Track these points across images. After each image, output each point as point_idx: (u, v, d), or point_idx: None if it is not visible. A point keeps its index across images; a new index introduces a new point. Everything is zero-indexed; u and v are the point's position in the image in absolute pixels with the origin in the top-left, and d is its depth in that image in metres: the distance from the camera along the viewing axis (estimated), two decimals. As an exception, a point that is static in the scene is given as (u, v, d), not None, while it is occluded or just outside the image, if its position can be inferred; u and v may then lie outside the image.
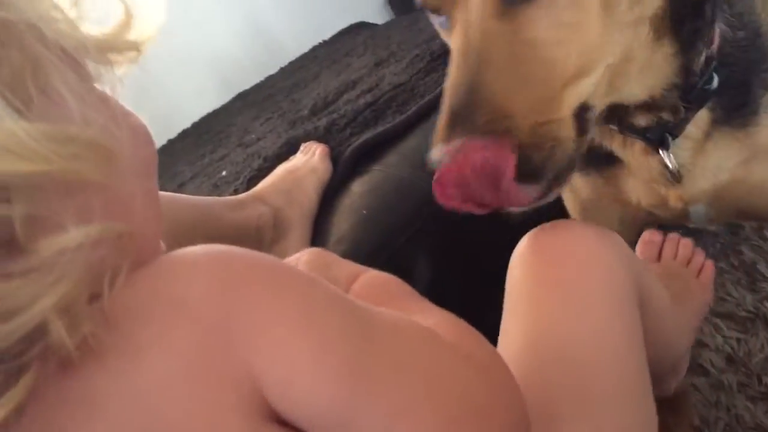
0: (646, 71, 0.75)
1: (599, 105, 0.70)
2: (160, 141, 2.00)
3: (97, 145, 0.40)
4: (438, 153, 0.59)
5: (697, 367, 1.21)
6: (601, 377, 0.58)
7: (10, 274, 0.36)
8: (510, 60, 0.62)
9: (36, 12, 0.40)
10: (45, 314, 0.36)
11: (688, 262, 1.07)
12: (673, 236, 1.10)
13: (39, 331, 0.37)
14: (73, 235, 0.38)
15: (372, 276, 0.59)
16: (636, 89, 0.77)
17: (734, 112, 0.82)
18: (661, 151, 0.81)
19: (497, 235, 1.08)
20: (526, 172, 0.60)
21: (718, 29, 0.78)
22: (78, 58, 0.42)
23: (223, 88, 2.27)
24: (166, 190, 1.54)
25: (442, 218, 1.09)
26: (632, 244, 1.08)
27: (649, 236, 1.10)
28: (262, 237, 1.07)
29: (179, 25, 2.21)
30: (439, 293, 0.98)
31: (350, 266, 0.62)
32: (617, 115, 0.80)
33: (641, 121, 0.80)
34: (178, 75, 2.12)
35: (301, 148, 1.29)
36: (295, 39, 2.44)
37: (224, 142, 1.75)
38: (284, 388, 0.40)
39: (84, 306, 0.38)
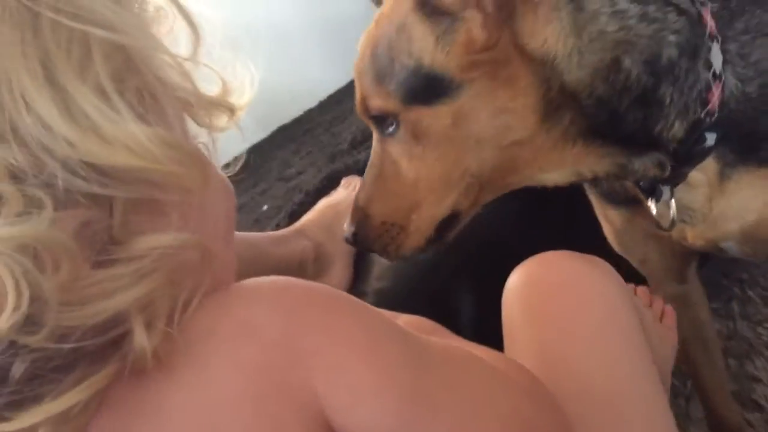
0: (561, 166, 0.80)
1: (472, 205, 0.83)
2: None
3: (198, 158, 0.47)
4: (348, 228, 0.84)
5: (750, 403, 1.17)
6: (624, 404, 0.58)
7: (103, 262, 0.41)
8: (379, 174, 0.82)
9: (155, 51, 0.46)
10: (131, 306, 0.40)
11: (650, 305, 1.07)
12: (642, 288, 1.09)
13: (123, 333, 0.41)
14: (166, 237, 0.43)
15: (407, 318, 0.65)
16: (556, 178, 0.81)
17: (748, 156, 0.81)
18: (649, 202, 0.83)
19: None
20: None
21: (717, 90, 0.77)
22: (184, 108, 0.49)
23: (263, 123, 2.30)
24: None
25: (485, 253, 1.08)
26: (678, 275, 1.06)
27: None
28: (304, 271, 1.08)
29: (224, 59, 2.25)
30: (483, 330, 0.97)
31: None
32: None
33: (627, 179, 0.84)
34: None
35: (342, 182, 1.30)
36: (332, 72, 2.46)
37: (265, 177, 1.77)
38: (347, 411, 0.43)
39: (163, 317, 0.42)
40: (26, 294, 0.37)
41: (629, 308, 0.65)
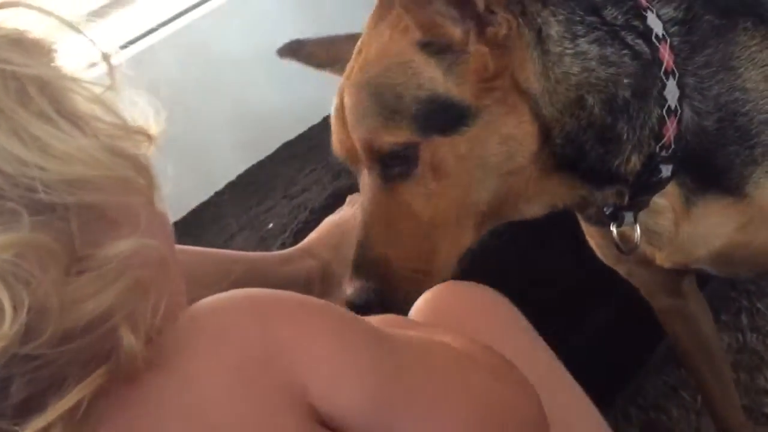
0: (542, 197, 0.83)
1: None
2: (207, 194, 2.03)
3: (143, 164, 0.51)
4: (348, 289, 0.82)
5: (762, 417, 1.17)
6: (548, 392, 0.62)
7: (78, 270, 0.44)
8: (388, 220, 0.80)
9: (76, 87, 0.50)
10: (106, 308, 0.43)
11: None
12: None
13: (114, 340, 0.44)
14: (126, 243, 0.46)
15: (378, 318, 0.67)
16: (536, 211, 0.84)
17: (709, 186, 0.84)
18: (611, 226, 0.86)
19: (542, 288, 1.07)
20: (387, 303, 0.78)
21: (672, 125, 0.80)
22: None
23: (267, 140, 2.30)
24: (214, 244, 1.56)
25: (491, 270, 1.08)
26: (668, 290, 1.05)
27: None
28: (310, 291, 1.07)
29: (223, 79, 2.26)
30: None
31: None
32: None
33: (590, 209, 0.88)
34: (222, 128, 2.15)
35: (348, 200, 1.30)
36: (336, 88, 2.47)
37: (270, 194, 1.76)
38: (328, 399, 0.47)
39: (143, 321, 0.46)
40: (26, 301, 0.40)
41: (521, 319, 0.72)
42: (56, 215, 0.44)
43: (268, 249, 1.33)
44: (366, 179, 0.83)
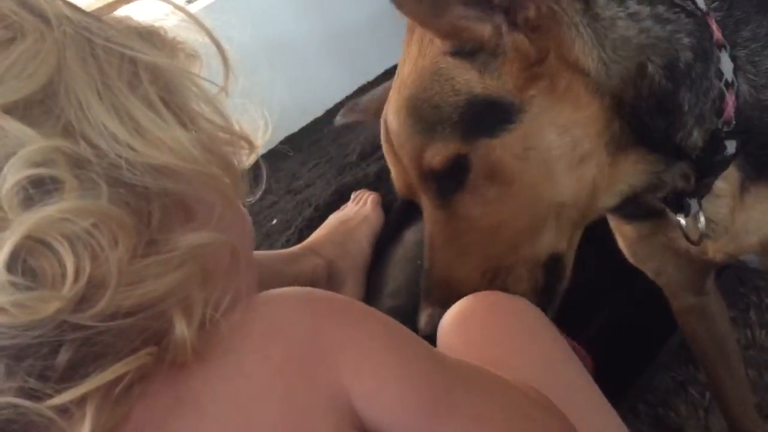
0: (617, 184, 0.77)
1: (570, 245, 0.78)
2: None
3: (231, 164, 0.53)
4: (421, 319, 0.76)
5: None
6: (572, 406, 0.60)
7: (146, 252, 0.44)
8: (449, 238, 0.75)
9: (186, 80, 0.53)
10: (164, 291, 0.44)
11: None
12: None
13: (165, 324, 0.44)
14: (201, 235, 0.47)
15: None
16: (610, 201, 0.78)
17: (763, 168, 0.80)
18: (678, 217, 0.82)
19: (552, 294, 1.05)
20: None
21: (731, 99, 0.76)
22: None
23: (270, 132, 2.29)
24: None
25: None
26: (694, 287, 1.05)
27: None
28: (316, 290, 1.06)
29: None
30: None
31: None
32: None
33: (658, 194, 0.81)
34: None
35: (352, 196, 1.29)
36: (339, 80, 2.45)
37: (273, 189, 1.75)
38: (372, 398, 0.46)
39: (199, 311, 0.46)
40: (87, 268, 0.40)
41: (552, 329, 0.69)
42: (135, 195, 0.45)
43: (272, 246, 1.32)
44: (425, 203, 0.78)
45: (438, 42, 0.74)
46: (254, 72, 2.34)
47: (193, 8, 2.09)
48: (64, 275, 0.40)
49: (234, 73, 0.57)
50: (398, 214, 1.21)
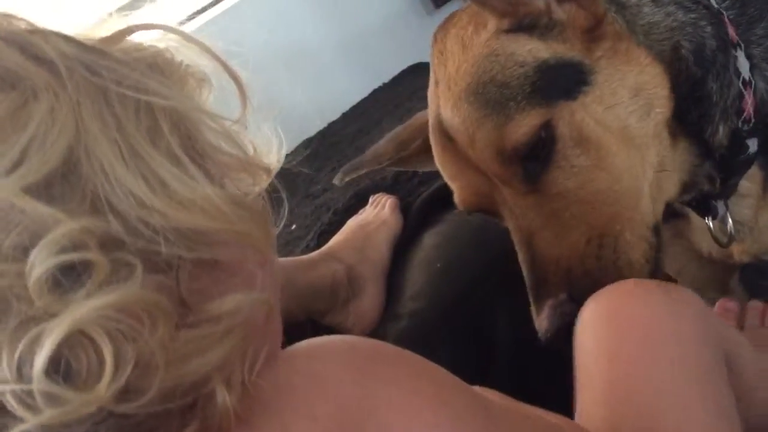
0: (675, 170, 0.75)
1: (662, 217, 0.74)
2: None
3: (263, 216, 0.49)
4: (541, 321, 0.69)
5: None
6: None
7: (187, 324, 0.42)
8: (547, 220, 0.70)
9: (209, 119, 0.49)
10: (212, 366, 0.41)
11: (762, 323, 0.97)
12: (754, 303, 0.98)
13: (206, 394, 0.42)
14: (241, 297, 0.44)
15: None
16: (673, 189, 0.76)
17: None
18: (707, 219, 0.80)
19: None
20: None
21: (750, 97, 0.75)
22: (228, 172, 0.50)
23: (287, 137, 2.29)
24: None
25: (518, 270, 1.06)
26: (717, 286, 1.03)
27: (723, 304, 0.97)
28: (336, 296, 1.06)
29: (240, 76, 2.25)
30: (519, 349, 0.95)
31: None
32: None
33: (684, 197, 0.80)
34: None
35: (370, 200, 1.29)
36: (355, 82, 2.46)
37: (291, 194, 1.75)
38: None
39: (239, 375, 0.43)
40: (131, 358, 0.38)
41: (706, 345, 0.60)
42: (170, 267, 0.42)
43: (292, 251, 1.33)
44: (509, 199, 0.73)
45: (488, 27, 0.73)
46: (272, 77, 2.33)
47: (209, 15, 2.09)
48: (102, 371, 0.37)
49: (249, 96, 0.54)
50: (417, 218, 1.20)
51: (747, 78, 0.75)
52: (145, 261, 0.40)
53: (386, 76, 2.37)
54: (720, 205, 0.79)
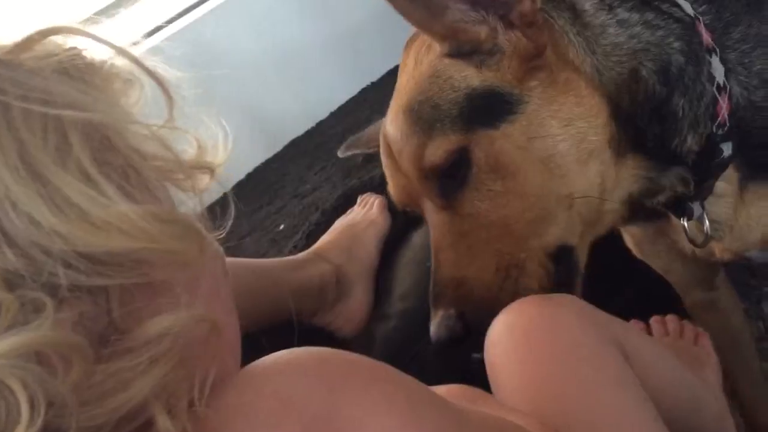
0: (618, 190, 0.77)
1: (581, 240, 0.76)
2: (216, 194, 2.02)
3: (192, 229, 0.46)
4: (433, 326, 0.73)
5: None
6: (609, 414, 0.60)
7: (111, 354, 0.39)
8: (456, 238, 0.73)
9: (130, 125, 0.46)
10: (148, 395, 0.39)
11: (681, 334, 1.08)
12: (657, 318, 1.11)
13: (146, 424, 0.39)
14: (171, 318, 0.41)
15: (447, 388, 0.65)
16: (616, 207, 0.78)
17: (759, 167, 0.80)
18: (682, 220, 0.81)
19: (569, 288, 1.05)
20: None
21: (725, 102, 0.76)
22: (164, 177, 0.48)
23: (275, 136, 2.29)
24: (225, 247, 1.54)
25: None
26: (704, 283, 1.04)
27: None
28: (325, 296, 1.06)
29: (228, 76, 2.24)
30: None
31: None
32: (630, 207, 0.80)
33: (659, 199, 0.80)
34: (229, 126, 2.14)
35: (359, 200, 1.29)
36: (343, 81, 2.45)
37: (279, 193, 1.75)
38: None
39: (184, 399, 0.41)
40: (42, 403, 0.35)
41: (601, 340, 0.66)
42: (90, 295, 0.40)
43: (280, 251, 1.32)
44: (429, 208, 0.77)
45: (435, 47, 0.75)
46: (259, 76, 2.32)
47: (196, 14, 2.07)
48: (18, 415, 0.35)
49: (181, 91, 0.51)
50: (405, 217, 1.20)
51: (722, 83, 0.75)
52: (53, 295, 0.38)
53: (375, 75, 2.37)
54: (696, 206, 0.80)
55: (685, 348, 1.03)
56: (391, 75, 2.44)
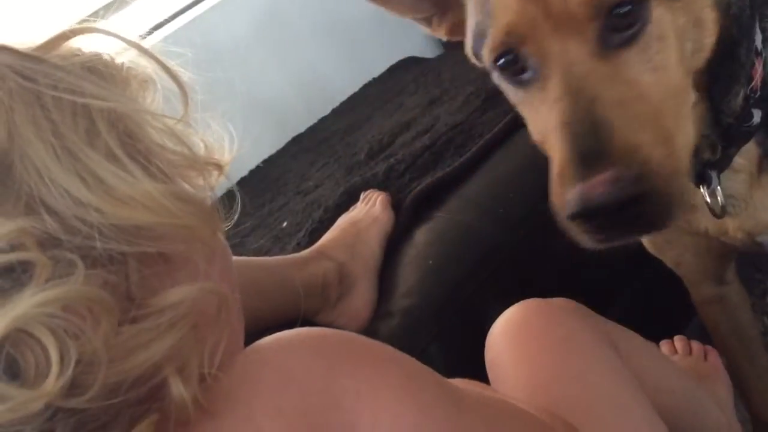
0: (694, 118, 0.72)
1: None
2: (219, 191, 2.01)
3: (208, 209, 0.50)
4: (577, 193, 0.57)
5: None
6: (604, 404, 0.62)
7: (131, 319, 0.43)
8: (621, 98, 0.61)
9: (151, 119, 0.50)
10: (163, 357, 0.42)
11: (690, 352, 1.12)
12: (665, 340, 1.16)
13: (159, 384, 0.42)
14: (186, 289, 0.45)
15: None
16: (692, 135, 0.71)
17: None
18: (701, 188, 0.79)
19: (568, 283, 1.05)
20: (659, 203, 0.59)
21: (760, 67, 0.75)
22: (177, 171, 0.51)
23: (278, 133, 2.29)
24: (229, 243, 1.54)
25: (510, 266, 1.06)
26: (714, 276, 1.04)
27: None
28: (328, 294, 1.06)
29: (231, 72, 2.24)
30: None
31: None
32: None
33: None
34: (231, 123, 2.14)
35: (362, 197, 1.28)
36: (345, 77, 2.44)
37: (282, 190, 1.75)
38: None
39: (195, 366, 0.44)
40: (73, 357, 0.39)
41: (597, 340, 0.68)
42: (112, 263, 0.43)
43: (283, 249, 1.32)
44: (564, 49, 0.63)
45: None
46: (260, 73, 2.32)
47: (197, 11, 2.06)
48: (48, 367, 0.38)
49: (192, 94, 0.55)
50: (408, 214, 1.20)
51: (759, 48, 0.75)
52: (85, 257, 0.41)
53: (376, 71, 2.36)
54: (714, 177, 0.79)
55: (694, 365, 1.04)
56: (393, 71, 2.45)
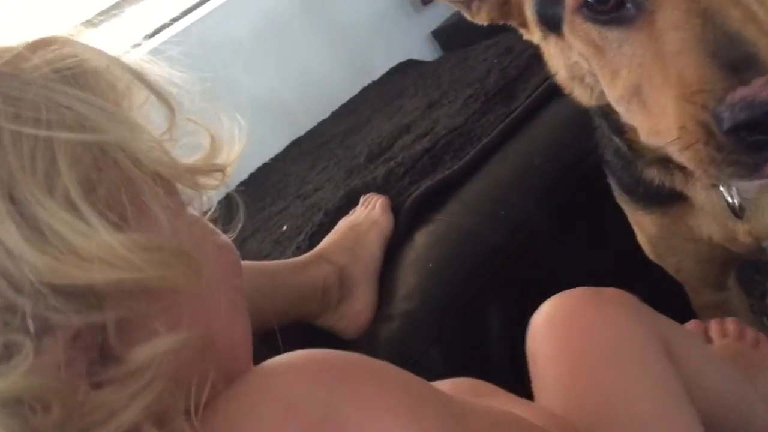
0: None
1: None
2: (219, 194, 2.01)
3: (184, 254, 0.44)
4: (739, 97, 0.55)
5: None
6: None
7: (102, 382, 0.39)
8: (746, 17, 0.59)
9: (130, 137, 0.44)
10: (138, 419, 0.39)
11: (741, 338, 1.05)
12: (716, 319, 1.07)
13: None
14: (163, 342, 0.41)
15: (453, 381, 0.66)
16: None
17: None
18: (721, 186, 0.79)
19: (568, 286, 1.04)
20: None
21: None
22: (171, 182, 0.48)
23: (277, 136, 2.29)
24: (228, 247, 1.54)
25: (510, 269, 1.06)
26: (715, 283, 1.04)
27: (691, 326, 1.06)
28: (328, 298, 1.06)
29: (230, 75, 2.24)
30: (512, 349, 0.95)
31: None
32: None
33: None
34: (231, 126, 2.13)
35: (361, 200, 1.28)
36: (344, 80, 2.45)
37: (282, 194, 1.75)
38: None
39: (179, 414, 0.41)
40: None
41: (649, 339, 0.64)
42: (69, 333, 0.39)
43: (283, 252, 1.32)
44: None
45: None
46: (261, 77, 2.32)
47: (197, 15, 2.06)
48: None
49: (187, 92, 0.51)
50: (408, 217, 1.20)
51: None
52: (34, 339, 0.37)
53: (375, 74, 2.36)
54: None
55: (743, 352, 1.01)
56: (392, 74, 2.44)
